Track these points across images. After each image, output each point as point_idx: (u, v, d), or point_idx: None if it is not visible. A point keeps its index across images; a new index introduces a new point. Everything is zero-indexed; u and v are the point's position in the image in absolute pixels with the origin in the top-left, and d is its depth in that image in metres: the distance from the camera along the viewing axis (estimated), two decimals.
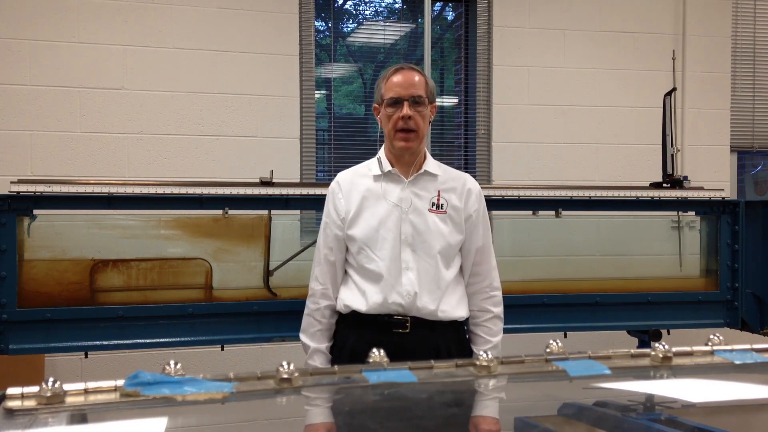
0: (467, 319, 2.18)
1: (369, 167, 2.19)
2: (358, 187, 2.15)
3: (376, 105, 2.18)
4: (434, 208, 2.11)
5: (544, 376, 0.99)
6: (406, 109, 2.06)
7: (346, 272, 2.18)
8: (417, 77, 2.11)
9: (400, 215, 2.09)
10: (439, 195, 2.13)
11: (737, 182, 4.70)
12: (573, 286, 2.96)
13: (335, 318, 2.18)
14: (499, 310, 2.20)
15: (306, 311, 2.21)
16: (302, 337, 2.21)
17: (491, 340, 2.17)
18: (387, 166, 2.14)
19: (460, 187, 2.16)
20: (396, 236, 2.08)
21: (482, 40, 4.28)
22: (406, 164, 2.14)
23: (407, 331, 2.06)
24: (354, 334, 2.11)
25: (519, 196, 2.84)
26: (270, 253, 2.71)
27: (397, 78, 2.10)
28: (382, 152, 2.19)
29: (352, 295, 2.12)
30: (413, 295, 2.05)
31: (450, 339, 2.10)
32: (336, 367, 0.94)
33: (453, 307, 2.11)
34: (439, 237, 2.09)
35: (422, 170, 2.14)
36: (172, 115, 3.78)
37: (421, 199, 2.12)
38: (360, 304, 2.09)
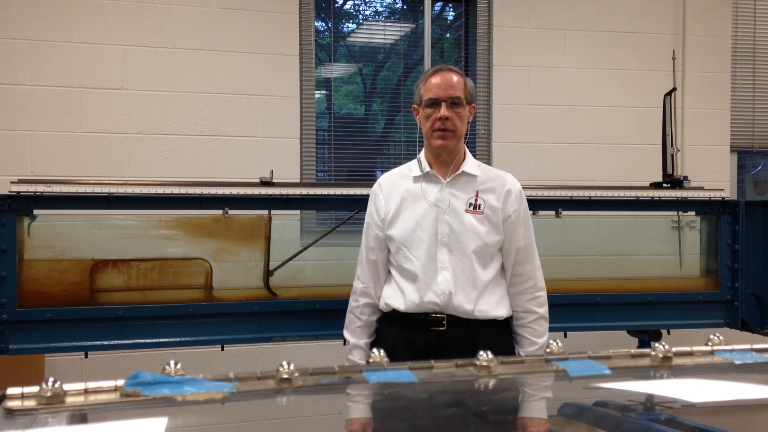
0: (508, 318, 2.19)
1: (410, 168, 2.22)
2: (398, 188, 2.18)
3: (416, 105, 2.20)
4: (471, 208, 2.13)
5: (544, 376, 0.99)
6: (443, 110, 2.08)
7: (390, 272, 2.22)
8: (456, 78, 2.12)
9: (436, 216, 2.11)
10: (477, 195, 2.14)
11: (737, 182, 4.70)
12: (573, 286, 2.96)
13: (376, 316, 2.23)
14: (543, 310, 2.20)
15: (348, 308, 2.27)
16: (345, 332, 2.28)
17: (537, 341, 2.17)
18: (426, 167, 2.16)
19: (499, 187, 2.17)
20: (432, 236, 2.10)
21: (482, 40, 4.28)
22: (444, 164, 2.16)
23: (444, 328, 2.09)
24: (393, 332, 2.16)
25: None
26: (270, 253, 2.71)
27: (435, 79, 2.13)
28: (422, 153, 2.22)
29: (393, 293, 2.16)
30: (448, 295, 2.07)
31: (488, 337, 2.10)
32: (336, 367, 0.94)
33: (492, 307, 2.11)
34: (475, 237, 2.10)
35: (460, 171, 2.15)
36: (172, 115, 3.78)
37: (458, 200, 2.13)
38: (399, 303, 2.13)
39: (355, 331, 2.23)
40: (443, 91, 2.10)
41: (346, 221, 2.81)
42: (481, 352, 0.99)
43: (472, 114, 2.19)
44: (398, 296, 2.14)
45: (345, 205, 2.75)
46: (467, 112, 2.15)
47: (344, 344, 2.32)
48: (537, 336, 2.18)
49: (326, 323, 2.67)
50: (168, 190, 2.56)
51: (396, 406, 0.95)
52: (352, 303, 2.26)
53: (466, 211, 2.13)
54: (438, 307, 2.09)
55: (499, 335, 2.16)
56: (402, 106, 4.28)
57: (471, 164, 2.18)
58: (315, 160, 4.05)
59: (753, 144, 4.69)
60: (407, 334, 2.11)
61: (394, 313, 2.15)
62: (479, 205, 2.14)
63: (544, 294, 2.21)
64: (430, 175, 2.16)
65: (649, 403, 1.13)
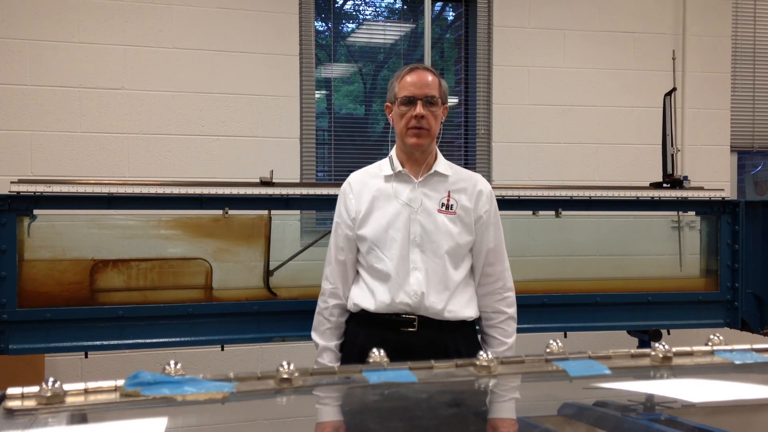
0: (476, 318, 2.19)
1: (380, 167, 2.21)
2: (369, 187, 2.16)
3: (389, 104, 2.19)
4: (443, 208, 2.12)
5: (544, 376, 0.99)
6: (419, 109, 2.07)
7: (357, 272, 2.19)
8: (431, 77, 2.12)
9: (409, 215, 2.10)
10: (449, 195, 2.13)
11: (737, 182, 4.69)
12: (573, 286, 2.96)
13: (345, 317, 2.20)
14: (512, 311, 2.20)
15: (317, 309, 2.24)
16: (313, 335, 2.24)
17: (506, 341, 2.17)
18: (398, 166, 2.15)
19: (470, 187, 2.16)
20: (405, 236, 2.09)
21: (482, 40, 4.28)
22: (416, 164, 2.15)
23: (415, 329, 2.07)
24: (363, 332, 2.13)
25: (519, 196, 2.84)
26: (270, 253, 2.71)
27: (411, 77, 2.11)
28: (393, 152, 2.20)
29: (362, 294, 2.13)
30: (420, 295, 2.06)
31: (459, 338, 2.11)
32: (336, 367, 0.94)
33: (462, 307, 2.11)
34: (448, 237, 2.09)
35: (432, 171, 2.14)
36: (172, 115, 3.78)
37: (430, 200, 2.12)
38: (369, 303, 2.10)
39: (325, 333, 2.20)
40: (419, 90, 2.08)
41: None
42: (481, 352, 0.99)
43: (445, 114, 2.18)
44: (368, 297, 2.11)
45: None
46: (441, 112, 2.14)
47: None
48: (506, 336, 2.18)
49: None
50: (168, 190, 2.56)
51: (396, 406, 0.95)
52: (320, 304, 2.22)
53: (439, 211, 2.11)
54: (409, 308, 2.07)
55: (469, 336, 2.16)
56: None
57: (442, 164, 2.17)
58: (315, 160, 4.05)
59: (753, 144, 4.69)
60: (377, 334, 2.07)
61: (363, 313, 2.12)
62: (451, 205, 2.12)
63: (513, 295, 2.21)
64: (402, 175, 2.14)
65: (649, 403, 1.13)
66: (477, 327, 2.23)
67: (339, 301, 2.19)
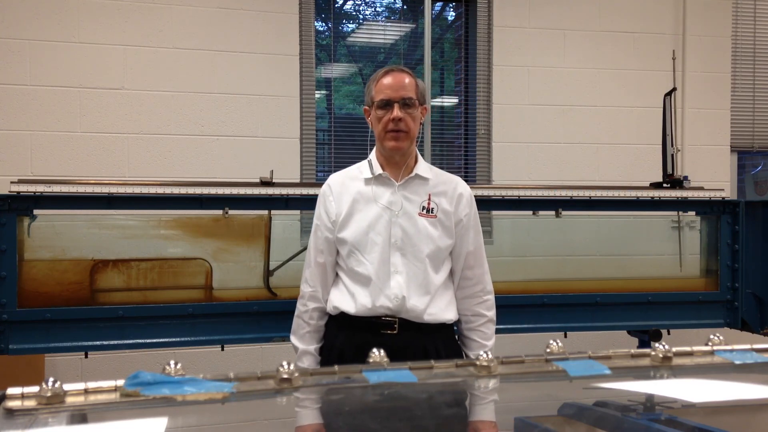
0: (455, 321, 2.18)
1: (360, 170, 2.19)
2: (349, 190, 2.14)
3: (366, 107, 2.18)
4: (424, 211, 2.10)
5: (544, 376, 0.99)
6: (396, 111, 2.06)
7: (337, 274, 2.17)
8: (407, 79, 2.10)
9: (390, 219, 2.08)
10: (429, 199, 2.12)
11: (737, 182, 4.70)
12: (573, 286, 2.96)
13: (324, 320, 2.18)
14: (492, 313, 2.19)
15: (296, 313, 2.22)
16: (292, 338, 2.23)
17: (486, 344, 2.16)
18: (378, 169, 2.13)
19: (450, 191, 2.15)
20: (386, 240, 2.07)
21: (482, 40, 4.28)
22: (396, 166, 2.13)
23: (395, 332, 2.06)
24: (342, 335, 2.11)
25: (519, 196, 2.84)
26: (270, 253, 2.71)
27: (387, 80, 2.10)
28: (373, 155, 2.18)
29: (342, 297, 2.11)
30: (401, 299, 2.04)
31: (438, 340, 2.10)
32: (336, 367, 0.94)
33: (441, 310, 2.10)
34: (429, 241, 2.08)
35: (413, 174, 2.12)
36: (172, 115, 3.78)
37: (411, 203, 2.11)
38: (349, 307, 2.08)
39: (305, 337, 2.18)
40: (395, 92, 2.07)
41: None
42: (481, 352, 0.99)
43: (423, 115, 2.16)
44: (348, 300, 2.09)
45: None
46: (419, 113, 2.12)
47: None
48: (486, 339, 2.17)
49: None
50: (168, 190, 2.56)
51: (396, 406, 0.95)
52: (300, 308, 2.20)
53: (420, 214, 2.09)
54: (390, 311, 2.05)
55: (448, 338, 2.15)
56: None
57: (423, 167, 2.15)
58: (315, 160, 4.05)
59: (753, 144, 4.69)
60: (357, 337, 2.05)
61: (343, 316, 2.10)
62: (432, 208, 2.11)
63: (492, 297, 2.20)
64: (382, 178, 2.12)
65: (649, 403, 1.13)
66: (456, 329, 2.22)
67: (318, 304, 2.17)
